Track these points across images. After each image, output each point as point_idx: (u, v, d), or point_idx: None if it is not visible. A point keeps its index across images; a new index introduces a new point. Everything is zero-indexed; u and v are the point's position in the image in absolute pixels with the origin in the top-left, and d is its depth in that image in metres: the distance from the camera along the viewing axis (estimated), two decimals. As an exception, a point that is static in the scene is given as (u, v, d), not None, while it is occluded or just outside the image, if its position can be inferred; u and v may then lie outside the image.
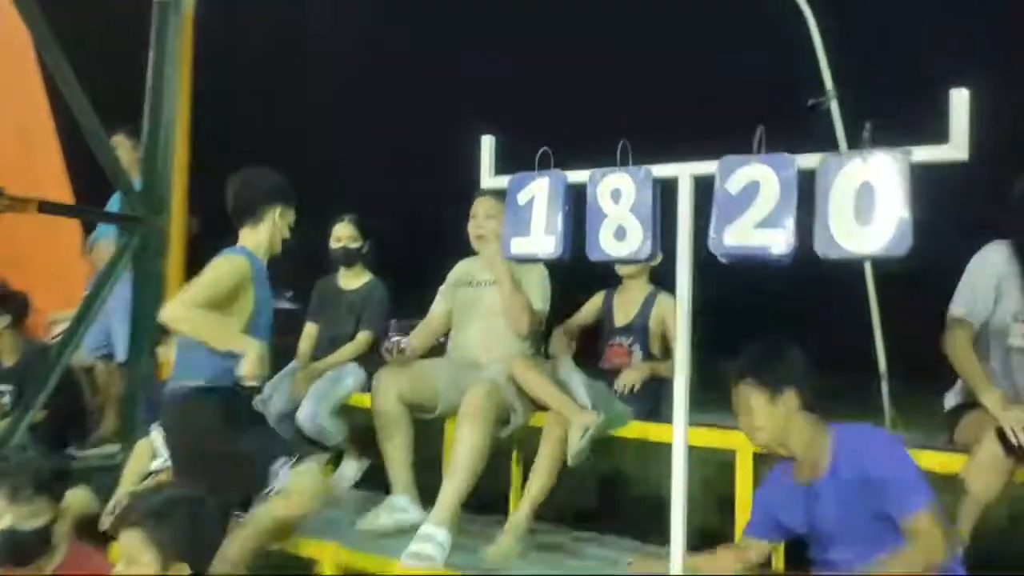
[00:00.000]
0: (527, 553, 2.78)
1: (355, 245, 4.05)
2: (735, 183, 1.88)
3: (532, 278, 3.31)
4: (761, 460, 2.85)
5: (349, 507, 3.44)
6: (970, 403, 2.56)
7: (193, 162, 4.08)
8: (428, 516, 2.76)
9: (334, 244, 4.10)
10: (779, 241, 1.82)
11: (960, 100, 1.69)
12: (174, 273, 4.01)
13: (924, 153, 1.72)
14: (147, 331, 3.91)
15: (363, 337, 3.98)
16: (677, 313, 1.98)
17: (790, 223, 1.81)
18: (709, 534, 3.23)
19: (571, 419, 2.81)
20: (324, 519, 3.21)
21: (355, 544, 2.88)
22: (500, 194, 3.35)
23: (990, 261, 2.55)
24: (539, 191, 2.14)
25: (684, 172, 1.98)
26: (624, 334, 3.29)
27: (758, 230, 1.84)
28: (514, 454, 3.82)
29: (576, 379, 2.97)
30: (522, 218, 2.15)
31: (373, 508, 3.07)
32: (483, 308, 3.34)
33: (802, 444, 2.23)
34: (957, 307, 2.55)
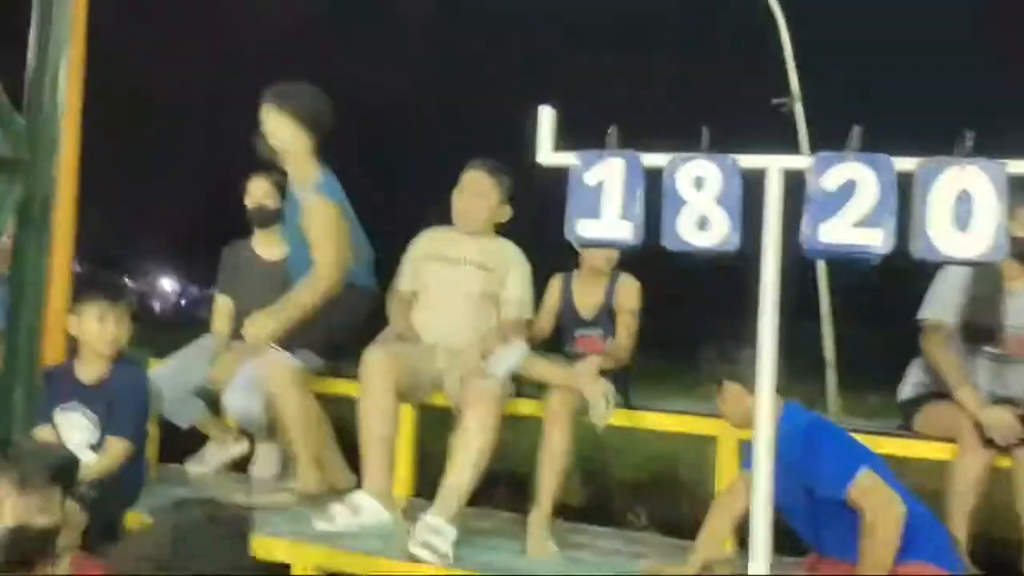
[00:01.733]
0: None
1: (272, 204, 3.65)
2: (831, 180, 1.88)
3: (518, 275, 3.18)
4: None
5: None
6: (927, 395, 2.80)
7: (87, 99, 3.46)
8: (433, 507, 2.57)
9: (248, 203, 3.68)
10: (878, 240, 1.84)
11: (1055, 117, 1.78)
12: (63, 229, 3.38)
13: (1020, 166, 1.80)
14: (31, 298, 3.28)
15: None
16: (762, 310, 1.95)
17: (890, 223, 1.84)
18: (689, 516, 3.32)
19: (585, 389, 2.74)
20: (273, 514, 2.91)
21: (328, 542, 2.63)
22: (493, 171, 3.22)
23: (957, 272, 2.76)
24: (611, 172, 2.02)
25: (773, 165, 1.94)
26: (593, 327, 3.21)
27: (856, 229, 1.85)
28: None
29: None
30: (591, 200, 2.02)
31: (332, 506, 2.79)
32: (459, 288, 3.15)
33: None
34: (930, 313, 2.77)
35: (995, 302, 2.70)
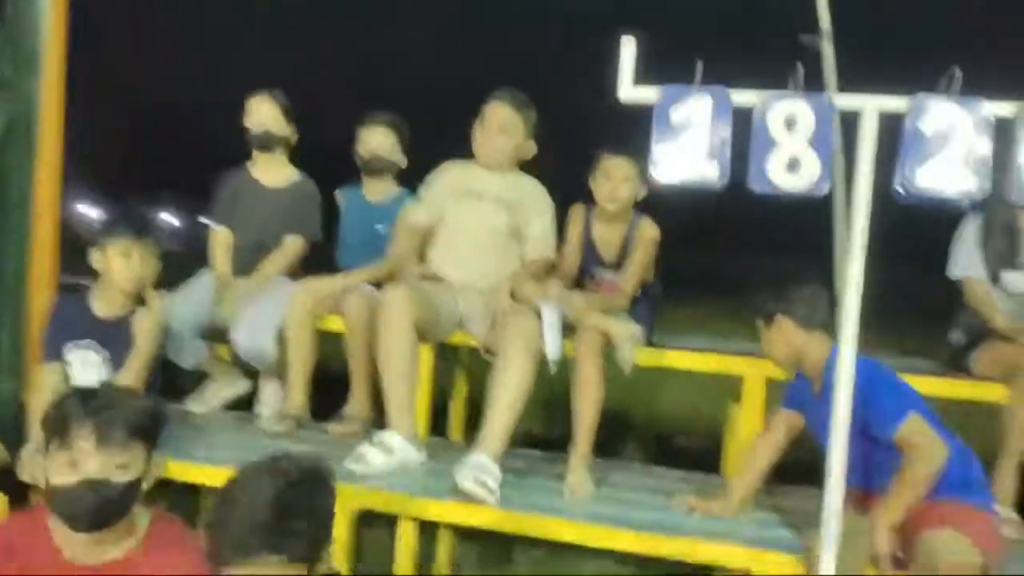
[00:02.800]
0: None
1: (277, 128, 3.45)
2: (929, 123, 1.85)
3: (542, 212, 3.09)
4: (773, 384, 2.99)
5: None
6: (980, 336, 2.86)
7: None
8: (477, 443, 2.53)
9: (250, 124, 3.45)
10: (974, 184, 1.83)
11: None
12: (49, 152, 3.12)
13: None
14: (16, 227, 3.04)
15: (293, 243, 3.46)
16: (851, 253, 1.93)
17: (985, 167, 1.83)
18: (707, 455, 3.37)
19: (613, 331, 2.71)
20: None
21: (362, 483, 2.56)
22: (519, 104, 3.09)
23: (975, 224, 2.88)
24: (699, 110, 1.94)
25: (869, 106, 1.90)
26: (613, 269, 3.14)
27: (953, 173, 1.84)
28: (462, 378, 3.64)
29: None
30: (677, 138, 1.95)
31: (361, 447, 2.72)
32: (483, 225, 3.04)
33: (807, 363, 2.48)
34: (960, 271, 2.89)
35: (1014, 244, 2.79)
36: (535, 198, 3.12)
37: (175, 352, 3.22)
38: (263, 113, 3.42)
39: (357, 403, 3.25)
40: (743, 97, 1.93)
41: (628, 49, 1.97)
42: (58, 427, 1.60)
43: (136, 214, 3.27)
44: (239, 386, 3.54)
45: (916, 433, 2.22)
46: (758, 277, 2.84)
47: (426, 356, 3.26)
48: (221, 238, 3.50)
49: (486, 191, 3.07)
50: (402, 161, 3.51)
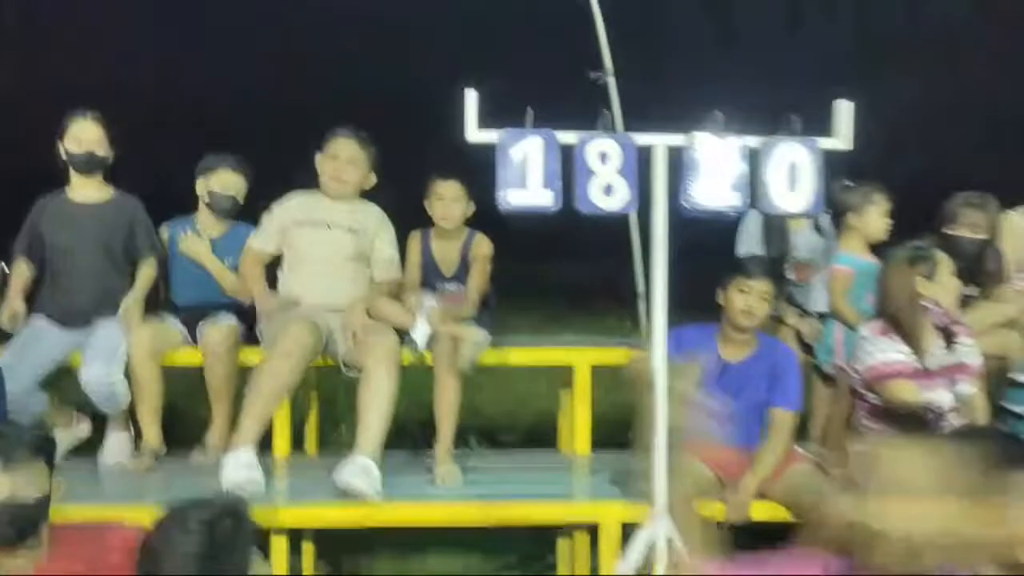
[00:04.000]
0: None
1: (102, 152, 3.41)
2: (705, 154, 2.41)
3: (386, 236, 3.41)
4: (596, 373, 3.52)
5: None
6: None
7: None
8: (357, 448, 2.79)
9: (74, 148, 3.36)
10: (739, 200, 2.42)
11: (846, 108, 2.47)
12: None
13: (824, 143, 2.47)
14: None
15: (149, 269, 3.44)
16: (653, 256, 2.46)
17: (747, 187, 2.42)
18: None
19: (462, 334, 3.10)
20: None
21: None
22: (363, 140, 3.37)
23: (756, 214, 3.49)
24: (532, 148, 2.37)
25: (660, 142, 2.43)
26: (454, 281, 3.52)
27: (725, 192, 2.41)
28: (314, 392, 3.84)
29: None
30: (517, 172, 2.37)
31: (228, 470, 2.88)
32: (333, 252, 3.30)
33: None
34: (747, 247, 3.57)
35: (786, 241, 3.52)
36: (379, 224, 3.43)
37: (13, 408, 3.11)
38: (88, 135, 3.38)
39: (217, 431, 3.36)
40: (566, 137, 2.40)
41: (471, 99, 2.37)
42: None
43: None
44: (82, 430, 3.49)
45: (792, 421, 2.89)
46: (571, 283, 3.34)
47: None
48: (21, 273, 3.40)
49: (334, 220, 3.33)
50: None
